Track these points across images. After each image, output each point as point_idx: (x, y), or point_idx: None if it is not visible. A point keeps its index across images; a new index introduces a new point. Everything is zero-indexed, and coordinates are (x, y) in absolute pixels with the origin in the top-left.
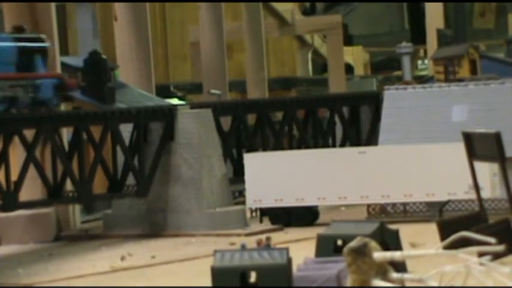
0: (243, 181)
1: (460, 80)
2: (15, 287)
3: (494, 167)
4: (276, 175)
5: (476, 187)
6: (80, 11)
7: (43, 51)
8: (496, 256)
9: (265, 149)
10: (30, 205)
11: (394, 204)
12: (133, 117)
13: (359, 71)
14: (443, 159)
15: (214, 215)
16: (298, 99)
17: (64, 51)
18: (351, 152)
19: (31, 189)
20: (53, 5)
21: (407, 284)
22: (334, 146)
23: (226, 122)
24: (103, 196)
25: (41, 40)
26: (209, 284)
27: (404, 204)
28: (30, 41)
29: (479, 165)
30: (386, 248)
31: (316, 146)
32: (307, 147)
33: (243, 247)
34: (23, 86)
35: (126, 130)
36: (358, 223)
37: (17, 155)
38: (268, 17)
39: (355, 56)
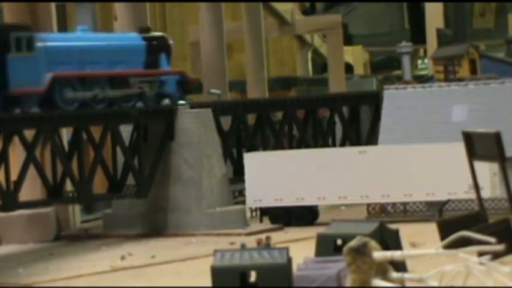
0: (243, 181)
1: (460, 80)
2: (16, 286)
3: (494, 166)
4: (276, 175)
5: (476, 187)
6: (80, 11)
7: (167, 50)
8: (496, 256)
9: (265, 148)
10: (30, 205)
11: (394, 204)
12: (133, 117)
13: (359, 70)
14: (443, 159)
15: (214, 214)
16: (298, 99)
17: None
18: (351, 152)
19: (31, 189)
20: (53, 5)
21: (407, 284)
22: (334, 146)
23: (226, 122)
24: (103, 196)
25: (165, 39)
26: (209, 284)
27: (405, 204)
28: (156, 40)
29: (479, 165)
30: (386, 247)
31: (316, 146)
32: (307, 147)
33: (243, 247)
34: (150, 82)
35: (126, 130)
36: (358, 223)
37: (17, 155)
38: (268, 17)
39: (355, 55)
